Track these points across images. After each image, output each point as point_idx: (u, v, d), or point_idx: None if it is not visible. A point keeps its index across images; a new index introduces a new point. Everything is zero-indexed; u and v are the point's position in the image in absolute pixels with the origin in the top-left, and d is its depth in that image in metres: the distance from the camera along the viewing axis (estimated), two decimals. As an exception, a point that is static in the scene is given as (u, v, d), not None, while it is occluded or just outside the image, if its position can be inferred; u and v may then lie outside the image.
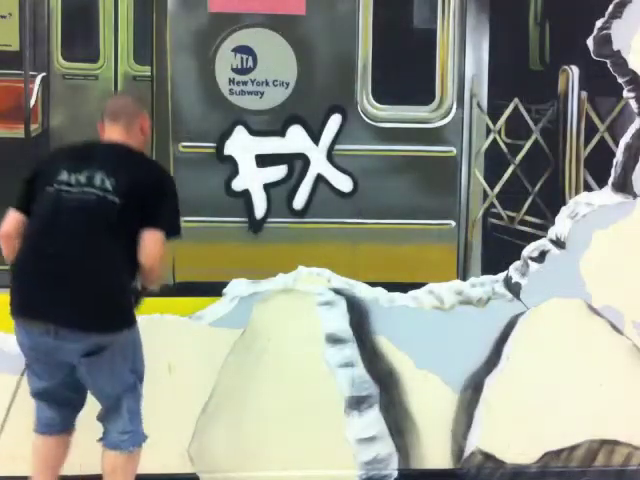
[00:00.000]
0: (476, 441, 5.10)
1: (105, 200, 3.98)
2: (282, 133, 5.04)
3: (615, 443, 5.20)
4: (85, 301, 3.94)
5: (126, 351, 4.14)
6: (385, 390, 5.03)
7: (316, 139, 5.07)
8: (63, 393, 4.21)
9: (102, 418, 4.27)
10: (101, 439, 4.27)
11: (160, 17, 4.96)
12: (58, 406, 4.24)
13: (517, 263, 5.15)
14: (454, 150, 5.20)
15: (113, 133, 4.22)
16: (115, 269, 4.01)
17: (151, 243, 4.01)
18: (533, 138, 5.28)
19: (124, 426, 4.21)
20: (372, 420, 5.01)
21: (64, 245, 3.95)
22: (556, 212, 5.20)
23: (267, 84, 5.01)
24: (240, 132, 5.01)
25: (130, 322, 4.14)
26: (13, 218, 4.10)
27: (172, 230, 4.12)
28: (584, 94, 5.22)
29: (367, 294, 5.02)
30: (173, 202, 4.16)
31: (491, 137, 5.24)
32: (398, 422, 5.05)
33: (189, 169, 5.01)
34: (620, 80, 5.14)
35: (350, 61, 5.10)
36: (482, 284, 5.12)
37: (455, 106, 5.19)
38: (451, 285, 5.11)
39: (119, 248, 3.99)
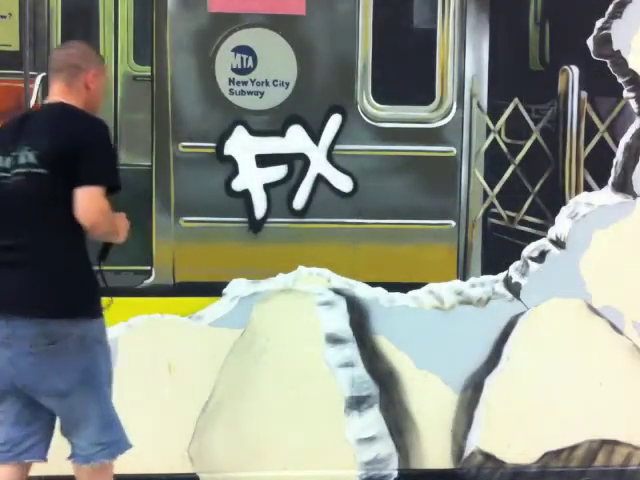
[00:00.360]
0: (476, 441, 5.10)
1: (32, 175, 3.76)
2: (282, 133, 5.04)
3: (615, 443, 5.20)
4: (30, 287, 3.76)
5: (84, 346, 3.79)
6: (385, 390, 5.03)
7: (316, 139, 5.06)
8: (15, 405, 3.88)
9: (66, 431, 3.92)
10: (71, 456, 3.93)
11: (160, 17, 4.96)
12: (14, 420, 3.88)
13: (517, 263, 5.15)
14: (454, 150, 5.19)
15: (53, 89, 3.96)
16: (57, 249, 3.79)
17: (84, 199, 3.72)
18: (533, 138, 5.28)
19: (97, 436, 3.88)
20: (372, 420, 5.01)
21: (8, 233, 3.80)
22: (556, 212, 5.20)
23: (267, 84, 5.01)
24: (240, 132, 5.01)
25: (87, 313, 3.83)
26: None
27: (108, 182, 3.80)
28: (584, 94, 5.22)
29: (367, 294, 5.02)
30: (105, 155, 3.83)
31: (491, 137, 5.24)
32: (398, 422, 5.06)
33: (189, 169, 5.00)
34: (620, 80, 5.14)
35: (350, 61, 5.09)
36: (482, 284, 5.12)
37: (455, 106, 5.18)
38: (451, 285, 5.11)
39: (60, 222, 3.78)
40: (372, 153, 5.14)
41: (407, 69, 5.43)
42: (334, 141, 5.08)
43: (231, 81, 5.00)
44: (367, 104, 5.14)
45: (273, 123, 5.04)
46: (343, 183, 5.10)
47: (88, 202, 3.73)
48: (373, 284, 5.04)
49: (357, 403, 5.00)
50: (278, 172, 5.06)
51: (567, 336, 5.11)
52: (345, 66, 5.09)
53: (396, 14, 5.72)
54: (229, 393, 4.93)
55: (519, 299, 5.10)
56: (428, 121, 5.20)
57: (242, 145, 5.01)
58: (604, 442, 5.20)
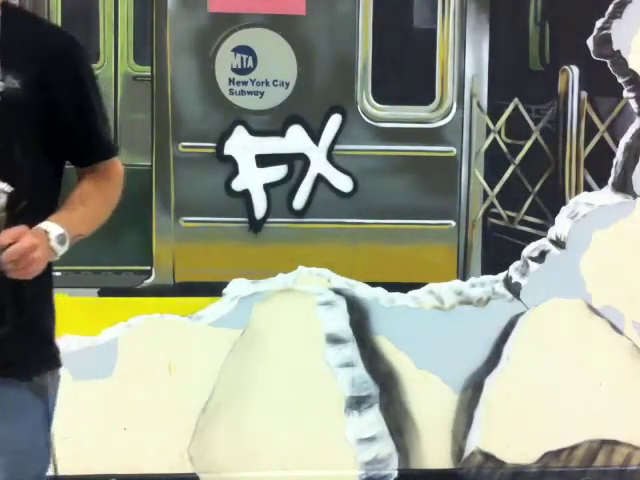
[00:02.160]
0: (476, 441, 5.10)
1: None
2: (282, 133, 5.04)
3: (615, 443, 5.20)
4: None
5: None
6: (385, 390, 5.03)
7: (316, 139, 5.06)
8: None
9: None
10: None
11: (160, 17, 4.96)
12: None
13: (517, 263, 5.15)
14: (454, 150, 5.19)
15: None
16: None
17: None
18: (533, 138, 5.28)
19: None
20: (372, 420, 5.01)
21: None
22: (556, 212, 5.20)
23: (267, 84, 5.01)
24: (240, 132, 5.01)
25: None
26: None
27: None
28: (584, 94, 5.22)
29: (367, 294, 5.02)
30: None
31: (491, 137, 5.24)
32: (398, 422, 5.06)
33: (189, 169, 5.00)
34: (620, 80, 5.14)
35: (350, 61, 5.09)
36: (482, 284, 5.12)
37: (455, 106, 5.18)
38: (451, 285, 5.11)
39: None
40: (372, 153, 5.14)
41: (407, 69, 5.43)
42: (334, 141, 5.08)
43: (231, 81, 5.00)
44: (367, 104, 5.13)
45: (273, 123, 5.04)
46: (343, 183, 5.10)
47: None
48: (373, 284, 5.04)
49: (357, 403, 5.00)
50: (278, 172, 5.06)
51: (567, 336, 5.11)
52: (345, 66, 5.09)
53: (396, 14, 5.71)
54: (229, 393, 4.93)
55: (519, 299, 5.10)
56: (428, 121, 5.20)
57: (242, 145, 5.01)
58: (604, 442, 5.19)
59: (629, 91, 5.15)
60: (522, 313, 5.10)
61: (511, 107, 5.25)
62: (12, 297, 2.58)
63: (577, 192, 5.23)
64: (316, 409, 4.96)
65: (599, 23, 5.10)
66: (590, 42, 5.10)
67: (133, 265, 5.19)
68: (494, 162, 5.29)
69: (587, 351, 5.13)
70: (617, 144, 5.21)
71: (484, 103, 5.21)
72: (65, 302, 4.67)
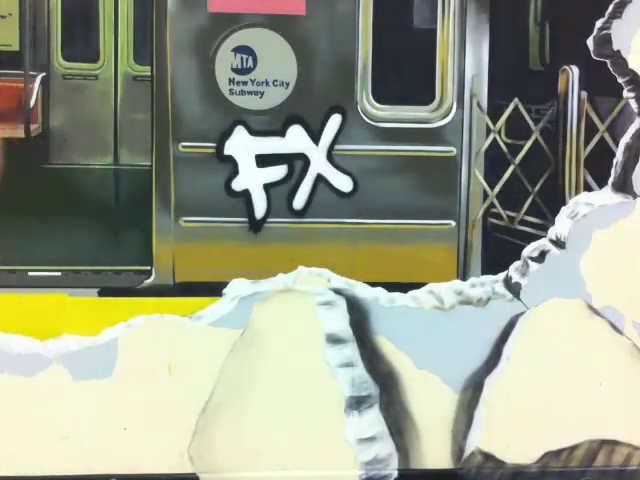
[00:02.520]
0: (476, 441, 5.10)
1: None
2: (282, 133, 5.04)
3: (615, 443, 5.20)
4: None
5: None
6: (385, 390, 5.03)
7: (316, 139, 5.07)
8: None
9: None
10: None
11: (160, 17, 4.97)
12: None
13: (517, 263, 5.15)
14: (454, 150, 5.20)
15: None
16: None
17: None
18: (533, 138, 5.28)
19: None
20: (372, 420, 5.01)
21: None
22: (556, 212, 5.20)
23: (267, 84, 5.01)
24: (240, 132, 5.01)
25: None
26: None
27: None
28: (584, 94, 5.22)
29: (367, 294, 5.02)
30: None
31: (491, 137, 5.24)
32: (398, 422, 5.06)
33: (189, 169, 5.01)
34: (620, 80, 5.14)
35: (350, 61, 5.10)
36: (482, 284, 5.12)
37: (455, 106, 5.19)
38: (451, 285, 5.11)
39: None
40: (372, 153, 5.15)
41: (407, 69, 5.43)
42: (334, 141, 5.08)
43: (231, 81, 5.00)
44: (367, 104, 5.14)
45: (273, 123, 5.04)
46: (343, 183, 5.10)
47: None
48: (373, 284, 5.04)
49: (357, 403, 5.00)
50: (278, 172, 5.07)
51: (567, 336, 5.11)
52: (345, 66, 5.10)
53: (396, 14, 5.72)
54: (229, 393, 4.93)
55: (519, 299, 5.10)
56: (428, 121, 5.20)
57: (242, 145, 5.02)
58: (604, 442, 5.19)
59: (629, 91, 5.15)
60: (522, 313, 5.09)
61: (511, 107, 5.26)
62: None
63: (577, 192, 5.24)
64: (316, 409, 4.96)
65: (599, 23, 5.10)
66: (590, 42, 5.10)
67: (133, 265, 5.20)
68: (494, 162, 5.29)
69: (587, 351, 5.13)
70: (617, 144, 5.21)
71: (484, 103, 5.22)
72: (65, 302, 4.70)
